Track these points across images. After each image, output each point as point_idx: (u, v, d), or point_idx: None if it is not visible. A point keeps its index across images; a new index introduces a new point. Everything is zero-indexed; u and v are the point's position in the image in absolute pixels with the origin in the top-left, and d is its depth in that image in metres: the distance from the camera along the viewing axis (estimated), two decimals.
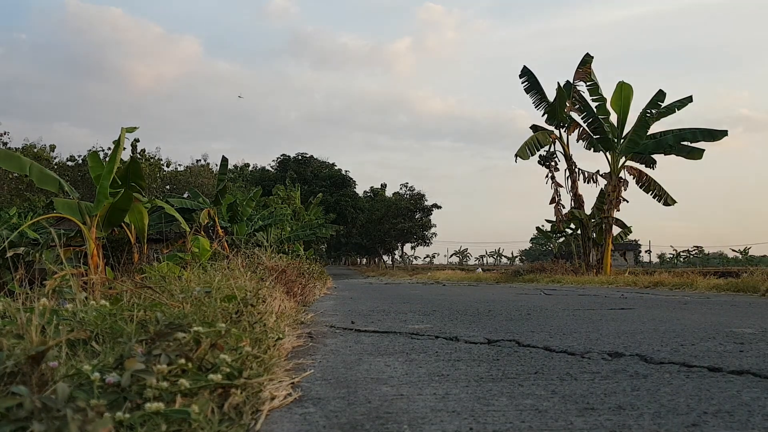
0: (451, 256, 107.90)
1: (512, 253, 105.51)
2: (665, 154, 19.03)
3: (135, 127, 9.41)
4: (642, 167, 19.76)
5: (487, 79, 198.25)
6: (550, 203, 20.29)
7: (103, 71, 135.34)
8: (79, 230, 8.96)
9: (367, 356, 2.92)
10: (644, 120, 18.82)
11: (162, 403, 1.52)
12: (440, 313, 5.61)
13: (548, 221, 27.64)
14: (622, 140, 19.58)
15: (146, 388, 1.61)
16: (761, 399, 1.97)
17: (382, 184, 68.42)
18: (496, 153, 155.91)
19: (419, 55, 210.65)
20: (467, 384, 2.23)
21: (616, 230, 20.26)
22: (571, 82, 19.74)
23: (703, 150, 18.49)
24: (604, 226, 19.66)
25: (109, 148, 31.73)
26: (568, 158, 20.38)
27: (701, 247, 71.26)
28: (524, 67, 20.30)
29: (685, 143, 18.60)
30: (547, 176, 20.28)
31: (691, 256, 68.59)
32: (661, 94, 18.96)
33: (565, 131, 20.40)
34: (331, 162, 58.68)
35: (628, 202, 19.89)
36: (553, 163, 20.22)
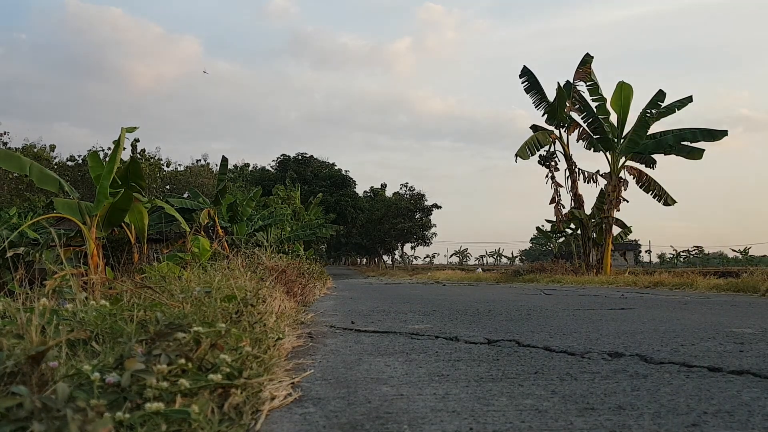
0: (451, 256, 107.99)
1: (512, 253, 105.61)
2: (665, 154, 19.04)
3: (135, 127, 9.41)
4: (642, 167, 19.77)
5: (487, 79, 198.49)
6: (550, 203, 20.30)
7: (103, 71, 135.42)
8: (79, 230, 8.96)
9: (367, 356, 2.92)
10: (644, 120, 18.82)
11: (162, 403, 1.52)
12: (440, 313, 5.61)
13: (548, 221, 27.67)
14: (622, 140, 19.59)
15: (146, 388, 1.61)
16: (761, 399, 1.97)
17: (382, 184, 68.47)
18: (496, 153, 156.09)
19: (419, 55, 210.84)
20: (467, 384, 2.23)
21: (616, 230, 20.27)
22: (571, 82, 19.75)
23: (703, 150, 18.50)
24: (604, 226, 19.67)
25: (109, 148, 31.75)
26: (568, 158, 20.39)
27: (701, 247, 71.35)
28: (524, 67, 20.31)
29: (685, 143, 18.61)
30: (547, 176, 20.30)
31: (691, 256, 68.60)
32: (661, 94, 18.97)
33: (565, 131, 20.41)
34: (331, 162, 58.74)
35: (628, 202, 19.91)
36: (553, 163, 20.23)
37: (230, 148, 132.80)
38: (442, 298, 8.45)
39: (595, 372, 2.46)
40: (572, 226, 21.53)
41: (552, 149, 20.12)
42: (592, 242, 20.06)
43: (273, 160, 59.34)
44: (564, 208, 20.28)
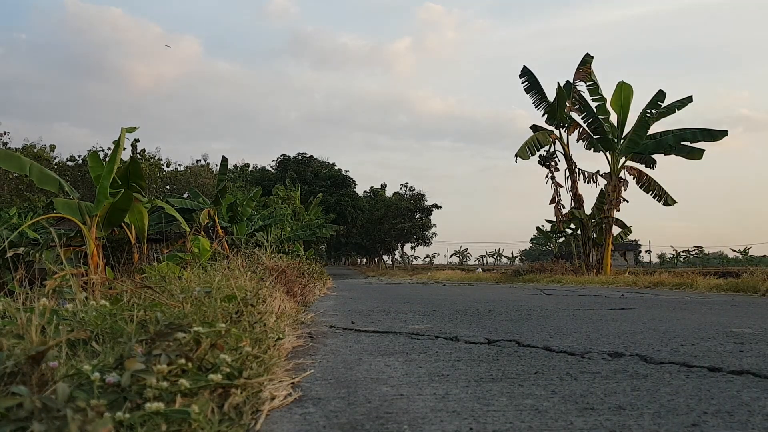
0: (451, 256, 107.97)
1: (512, 253, 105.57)
2: (665, 154, 19.04)
3: (135, 127, 9.41)
4: (642, 167, 19.77)
5: (487, 79, 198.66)
6: (550, 203, 20.30)
7: (103, 71, 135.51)
8: (79, 230, 8.96)
9: (367, 356, 2.92)
10: (644, 120, 18.82)
11: (162, 403, 1.52)
12: (440, 313, 5.61)
13: (548, 221, 27.67)
14: (622, 140, 19.58)
15: (146, 388, 1.61)
16: (761, 399, 1.97)
17: (382, 184, 68.46)
18: (496, 153, 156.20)
19: (419, 55, 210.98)
20: (467, 384, 2.23)
21: (616, 230, 20.26)
22: (571, 82, 19.74)
23: (703, 150, 18.50)
24: (604, 226, 19.66)
25: (109, 148, 31.74)
26: (568, 158, 20.38)
27: (701, 247, 71.30)
28: (524, 67, 20.31)
29: (685, 143, 18.60)
30: (547, 176, 20.29)
31: (691, 256, 68.57)
32: (661, 94, 18.97)
33: (565, 131, 20.41)
34: (331, 162, 58.71)
35: (628, 202, 19.91)
36: (553, 163, 20.22)
37: (230, 148, 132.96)
38: (442, 298, 8.45)
39: (595, 372, 2.46)
40: (572, 226, 21.53)
41: (552, 149, 20.13)
42: (592, 242, 20.06)
43: (273, 160, 59.38)
44: (564, 208, 20.29)
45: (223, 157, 18.15)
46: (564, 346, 3.18)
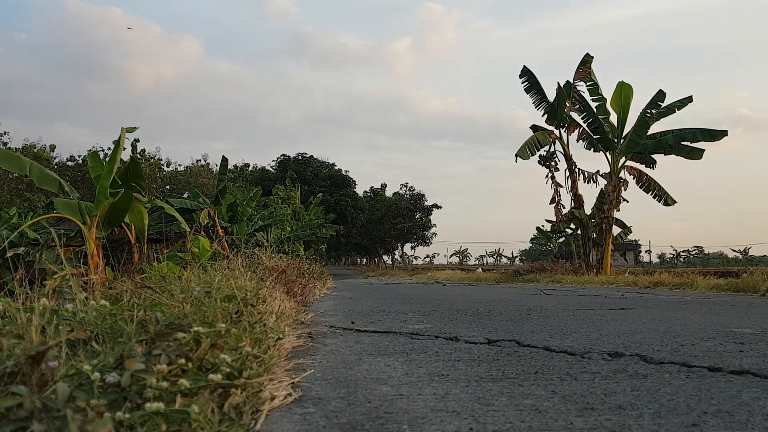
0: (451, 256, 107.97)
1: (512, 253, 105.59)
2: (665, 154, 19.04)
3: (135, 127, 9.41)
4: (642, 167, 19.77)
5: (487, 79, 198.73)
6: (550, 203, 20.30)
7: (103, 71, 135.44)
8: (79, 230, 8.96)
9: (367, 356, 2.92)
10: (644, 120, 18.82)
11: (162, 403, 1.52)
12: (440, 313, 5.61)
13: (548, 221, 27.68)
14: (622, 140, 19.58)
15: (146, 388, 1.61)
16: (761, 399, 1.97)
17: (382, 184, 68.46)
18: (496, 153, 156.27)
19: (419, 55, 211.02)
20: (467, 384, 2.23)
21: (616, 230, 20.26)
22: (571, 82, 19.75)
23: (703, 150, 18.50)
24: (604, 226, 19.66)
25: (109, 148, 31.74)
26: (568, 158, 20.38)
27: (701, 247, 71.29)
28: (524, 67, 20.31)
29: (685, 143, 18.60)
30: (547, 176, 20.29)
31: (691, 256, 68.56)
32: (661, 94, 18.97)
33: (565, 131, 20.41)
34: (331, 162, 58.69)
35: (628, 202, 19.91)
36: (553, 163, 20.22)
37: (230, 148, 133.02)
38: (442, 298, 8.45)
39: (595, 372, 2.46)
40: (572, 226, 21.53)
41: (552, 149, 20.14)
42: (592, 242, 20.06)
43: (273, 160, 59.35)
44: (564, 208, 20.29)
45: (223, 157, 18.16)
46: (564, 346, 3.18)
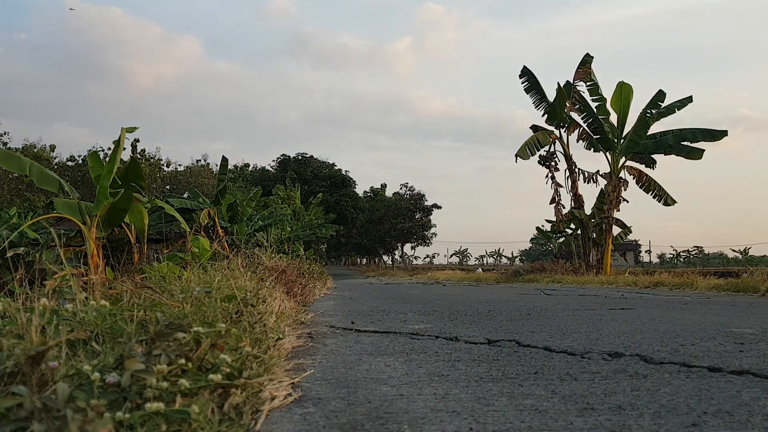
0: (451, 256, 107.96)
1: (512, 253, 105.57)
2: (665, 154, 19.03)
3: (135, 127, 9.41)
4: (642, 167, 19.77)
5: (487, 79, 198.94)
6: (550, 203, 20.30)
7: (103, 71, 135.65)
8: (79, 230, 8.96)
9: (367, 356, 2.92)
10: (644, 120, 18.82)
11: (162, 403, 1.52)
12: (440, 313, 5.61)
13: (548, 221, 27.67)
14: (622, 140, 19.58)
15: (146, 388, 1.61)
16: (761, 399, 1.97)
17: (382, 184, 68.46)
18: (496, 153, 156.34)
19: (419, 55, 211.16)
20: (467, 384, 2.23)
21: (616, 230, 20.26)
22: (571, 82, 19.74)
23: (703, 150, 18.49)
24: (604, 226, 19.66)
25: (109, 148, 31.72)
26: (568, 158, 20.38)
27: (701, 247, 71.18)
28: (524, 67, 20.30)
29: (685, 143, 18.60)
30: (547, 176, 20.29)
31: (691, 256, 68.52)
32: (661, 94, 18.96)
33: (565, 131, 20.40)
34: (331, 162, 58.63)
35: (628, 202, 19.90)
36: (553, 163, 20.22)
37: (230, 148, 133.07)
38: (442, 298, 8.45)
39: (595, 372, 2.46)
40: (572, 226, 21.52)
41: (552, 149, 20.13)
42: (592, 242, 20.06)
43: (273, 160, 59.29)
44: (564, 208, 20.29)
45: (223, 157, 18.15)
46: (564, 346, 3.18)
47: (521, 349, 3.15)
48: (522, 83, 20.33)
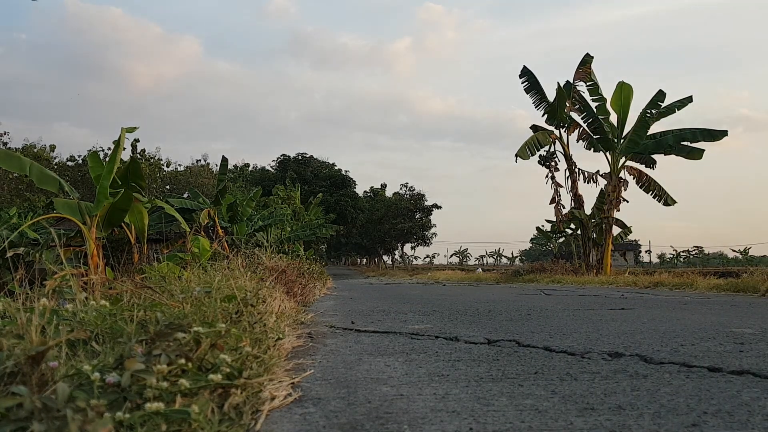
0: (451, 256, 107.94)
1: (512, 253, 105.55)
2: (665, 154, 19.03)
3: (135, 127, 9.41)
4: (642, 167, 19.77)
5: (487, 79, 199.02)
6: (550, 203, 20.30)
7: (103, 71, 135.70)
8: (79, 230, 8.96)
9: (367, 356, 2.92)
10: (644, 120, 18.82)
11: (162, 403, 1.52)
12: (440, 313, 5.61)
13: (548, 221, 27.67)
14: (622, 140, 19.58)
15: (146, 388, 1.61)
16: (761, 399, 1.97)
17: (382, 184, 68.45)
18: (496, 153, 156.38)
19: (419, 55, 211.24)
20: (467, 384, 2.23)
21: (616, 230, 20.26)
22: (571, 82, 19.74)
23: (703, 150, 18.49)
24: (604, 226, 19.66)
25: (109, 148, 31.72)
26: (568, 158, 20.38)
27: (701, 247, 71.15)
28: (524, 67, 20.31)
29: (685, 143, 18.60)
30: (547, 176, 20.29)
31: (691, 256, 68.49)
32: (661, 94, 18.96)
33: (565, 131, 20.40)
34: (331, 162, 58.61)
35: (628, 202, 19.90)
36: (553, 163, 20.22)
37: (230, 148, 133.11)
38: (442, 298, 8.45)
39: (595, 372, 2.46)
40: (572, 226, 21.52)
41: (552, 149, 20.13)
42: (592, 242, 20.06)
43: (273, 160, 59.27)
44: (564, 208, 20.29)
45: (223, 157, 18.15)
46: (564, 346, 3.18)
47: (521, 349, 3.15)
48: (522, 83, 20.34)
